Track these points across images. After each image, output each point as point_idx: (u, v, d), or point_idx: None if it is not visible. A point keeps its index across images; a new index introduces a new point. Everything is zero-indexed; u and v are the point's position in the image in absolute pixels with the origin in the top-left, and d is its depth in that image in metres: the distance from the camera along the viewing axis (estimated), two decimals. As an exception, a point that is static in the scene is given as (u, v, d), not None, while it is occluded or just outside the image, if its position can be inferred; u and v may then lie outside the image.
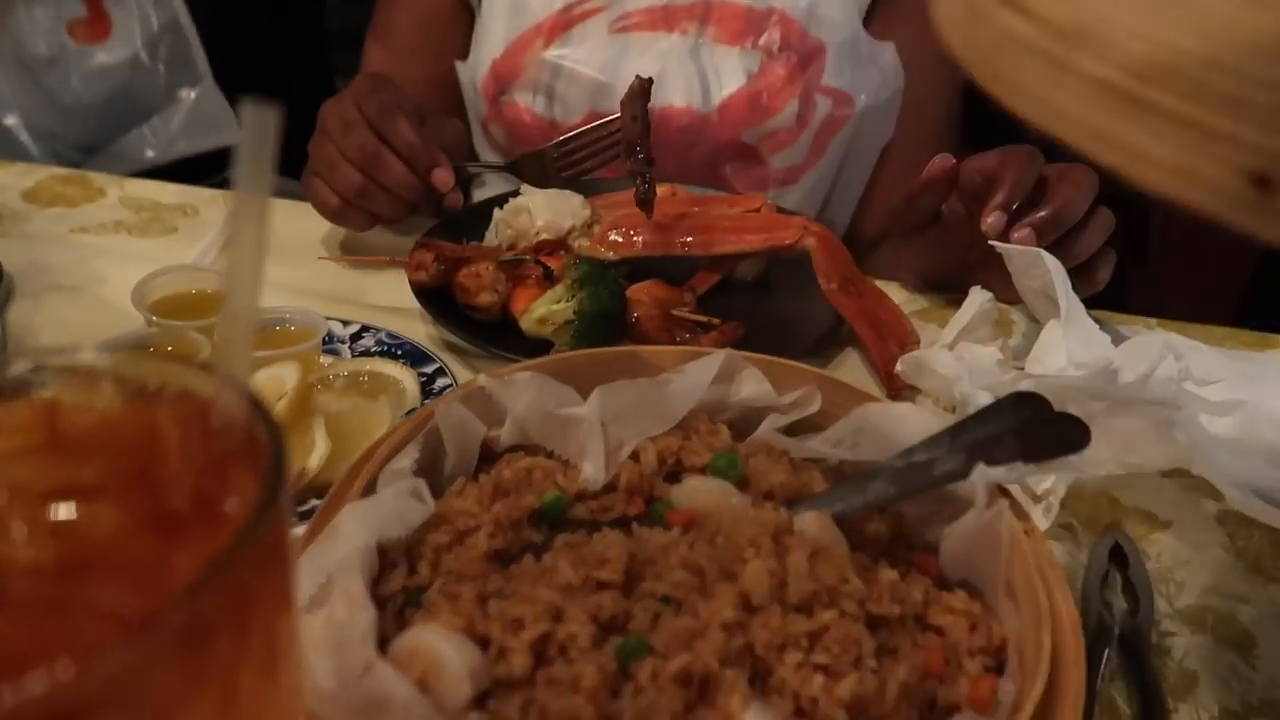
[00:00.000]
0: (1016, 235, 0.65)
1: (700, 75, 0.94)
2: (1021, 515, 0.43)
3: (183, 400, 0.25)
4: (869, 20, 0.95)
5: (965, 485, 0.43)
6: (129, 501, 0.23)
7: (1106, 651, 0.48)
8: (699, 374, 0.49)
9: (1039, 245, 0.65)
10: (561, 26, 0.95)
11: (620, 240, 0.78)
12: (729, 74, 0.94)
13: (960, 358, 0.59)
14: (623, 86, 0.78)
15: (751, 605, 0.36)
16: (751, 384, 0.51)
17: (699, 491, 0.44)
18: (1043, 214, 0.65)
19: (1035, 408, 0.46)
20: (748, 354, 0.52)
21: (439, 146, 0.80)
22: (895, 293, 0.81)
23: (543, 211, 0.79)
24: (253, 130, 0.24)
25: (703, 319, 0.70)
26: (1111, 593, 0.53)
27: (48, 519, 0.22)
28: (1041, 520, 0.56)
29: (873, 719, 0.35)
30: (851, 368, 0.71)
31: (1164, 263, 3.01)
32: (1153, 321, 0.78)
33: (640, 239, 0.78)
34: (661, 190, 0.86)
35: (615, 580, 0.37)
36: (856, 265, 0.76)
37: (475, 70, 0.97)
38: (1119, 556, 0.54)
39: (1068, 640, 0.38)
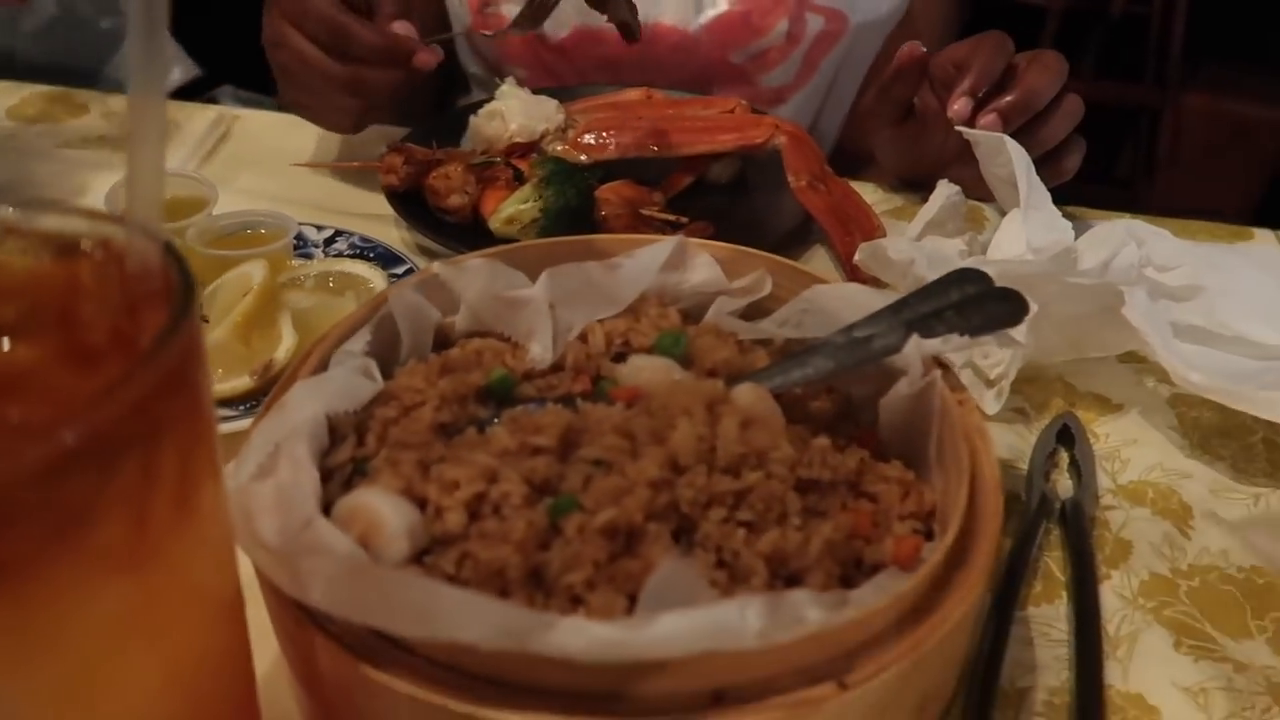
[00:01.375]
0: (982, 120, 0.65)
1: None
2: (955, 387, 0.44)
3: (100, 249, 0.26)
4: None
5: (903, 359, 0.44)
6: (49, 338, 0.25)
7: (1045, 523, 0.50)
8: (648, 258, 0.50)
9: (1005, 131, 0.65)
10: None
11: (593, 143, 0.78)
12: None
13: (918, 244, 0.59)
14: None
15: (679, 466, 0.38)
16: (703, 270, 0.52)
17: (643, 369, 0.45)
18: (1009, 99, 0.65)
19: (977, 284, 0.47)
20: (701, 240, 0.53)
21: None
22: (871, 192, 0.82)
23: (516, 116, 0.79)
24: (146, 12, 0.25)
25: (671, 217, 0.71)
26: (1059, 471, 0.55)
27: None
28: (993, 404, 0.57)
29: (792, 571, 0.37)
30: (820, 262, 0.72)
31: (1172, 177, 2.96)
32: (1126, 217, 0.78)
33: (613, 141, 0.78)
34: (636, 93, 0.86)
35: (550, 446, 0.38)
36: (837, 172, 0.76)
37: None
38: (1068, 437, 0.55)
39: (988, 500, 0.39)
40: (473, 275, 0.48)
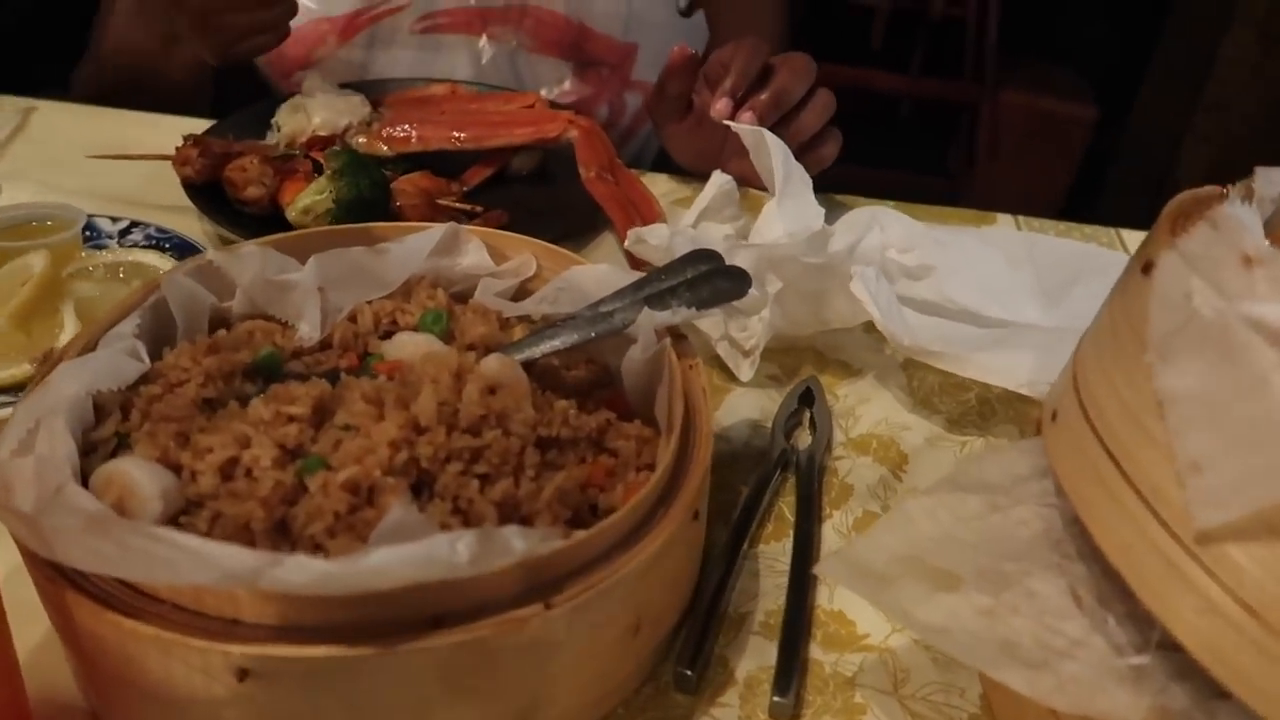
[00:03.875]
0: (741, 117, 0.72)
1: (515, 83, 0.97)
2: (685, 354, 0.50)
3: None
4: (689, 9, 1.00)
5: (638, 329, 0.49)
6: None
7: (781, 472, 0.57)
8: (417, 243, 0.54)
9: (762, 126, 0.71)
10: (359, 25, 0.94)
11: (396, 135, 0.81)
12: (542, 84, 0.97)
13: (681, 232, 0.65)
14: None
15: (420, 427, 0.42)
16: (474, 254, 0.56)
17: (406, 345, 0.49)
18: (763, 97, 0.72)
19: (709, 263, 0.53)
20: (473, 228, 0.57)
21: None
22: (663, 183, 0.88)
23: (319, 110, 0.81)
24: None
25: (466, 207, 0.75)
26: (802, 429, 0.61)
27: None
28: (748, 371, 0.64)
29: (523, 515, 0.42)
30: (609, 247, 0.77)
31: (992, 168, 3.17)
32: (889, 204, 0.86)
33: (414, 134, 0.81)
34: (441, 88, 0.90)
35: (303, 414, 0.42)
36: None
37: None
38: (810, 398, 0.62)
39: (701, 449, 0.45)
40: (247, 261, 0.51)
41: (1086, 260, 0.74)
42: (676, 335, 0.51)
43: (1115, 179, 2.82)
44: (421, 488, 0.41)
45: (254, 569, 0.33)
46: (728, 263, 0.54)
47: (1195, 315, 0.32)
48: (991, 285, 0.71)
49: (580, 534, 0.38)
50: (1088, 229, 0.86)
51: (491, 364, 0.46)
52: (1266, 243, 0.34)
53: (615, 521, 0.39)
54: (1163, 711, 0.34)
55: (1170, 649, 0.35)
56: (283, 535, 0.39)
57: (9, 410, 0.52)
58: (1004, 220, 0.87)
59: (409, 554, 0.34)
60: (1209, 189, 0.40)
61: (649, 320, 0.49)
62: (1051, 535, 0.41)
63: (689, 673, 0.45)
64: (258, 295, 0.51)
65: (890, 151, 3.09)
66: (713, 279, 0.52)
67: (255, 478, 0.40)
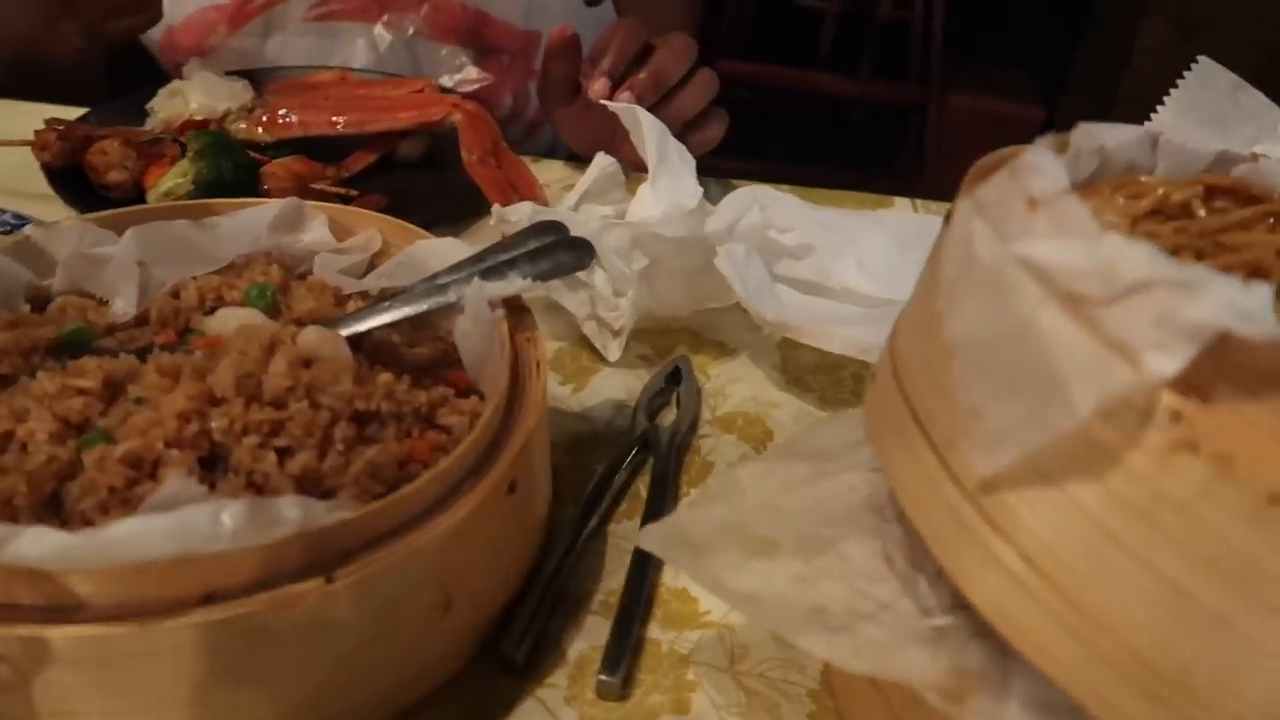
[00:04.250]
0: (619, 97, 0.70)
1: (414, 71, 0.95)
2: (524, 327, 0.48)
3: None
4: None
5: (468, 300, 0.47)
6: None
7: (636, 450, 0.55)
8: (251, 217, 0.52)
9: (640, 105, 0.70)
10: (249, 13, 0.92)
11: (276, 121, 0.79)
12: (442, 72, 0.95)
13: (549, 211, 0.64)
14: None
15: (215, 399, 0.40)
16: (316, 230, 0.54)
17: (228, 320, 0.47)
18: (640, 76, 0.71)
19: (553, 234, 0.52)
20: (317, 204, 0.55)
21: None
22: (557, 169, 0.86)
23: (197, 94, 0.79)
24: None
25: (341, 191, 0.73)
26: (667, 409, 0.60)
27: None
28: (615, 351, 0.62)
29: (325, 489, 0.40)
30: (490, 232, 0.76)
31: (940, 169, 3.19)
32: (785, 188, 0.85)
33: (295, 119, 0.79)
34: (330, 75, 0.88)
35: (92, 388, 0.40)
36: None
37: None
38: (678, 378, 0.61)
39: (527, 420, 0.43)
40: (64, 236, 0.49)
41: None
42: (519, 308, 0.50)
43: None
44: (215, 463, 0.39)
45: (-12, 542, 0.31)
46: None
47: (975, 258, 0.31)
48: (876, 265, 0.70)
49: (370, 505, 0.36)
50: (984, 211, 0.86)
51: (309, 336, 0.44)
52: (1062, 187, 0.33)
53: (414, 491, 0.38)
54: (959, 671, 0.33)
55: (971, 609, 0.34)
56: (54, 514, 0.37)
57: None
58: (901, 204, 0.86)
59: (161, 524, 0.32)
60: (1019, 147, 0.39)
61: (479, 291, 0.47)
62: (874, 500, 0.40)
63: (514, 654, 0.43)
64: (75, 271, 0.49)
65: (840, 153, 3.11)
66: (555, 250, 0.50)
67: (29, 452, 0.37)
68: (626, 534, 0.51)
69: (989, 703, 0.32)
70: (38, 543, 0.31)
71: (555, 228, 0.52)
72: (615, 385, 0.61)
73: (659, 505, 0.51)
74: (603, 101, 0.71)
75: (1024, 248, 0.30)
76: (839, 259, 0.70)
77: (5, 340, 0.43)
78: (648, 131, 0.68)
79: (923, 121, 3.04)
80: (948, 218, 0.36)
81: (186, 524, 0.32)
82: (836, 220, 0.73)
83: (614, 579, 0.48)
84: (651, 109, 0.71)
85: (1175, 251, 0.35)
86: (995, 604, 0.31)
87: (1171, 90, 0.49)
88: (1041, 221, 0.31)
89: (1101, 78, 2.47)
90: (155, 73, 1.00)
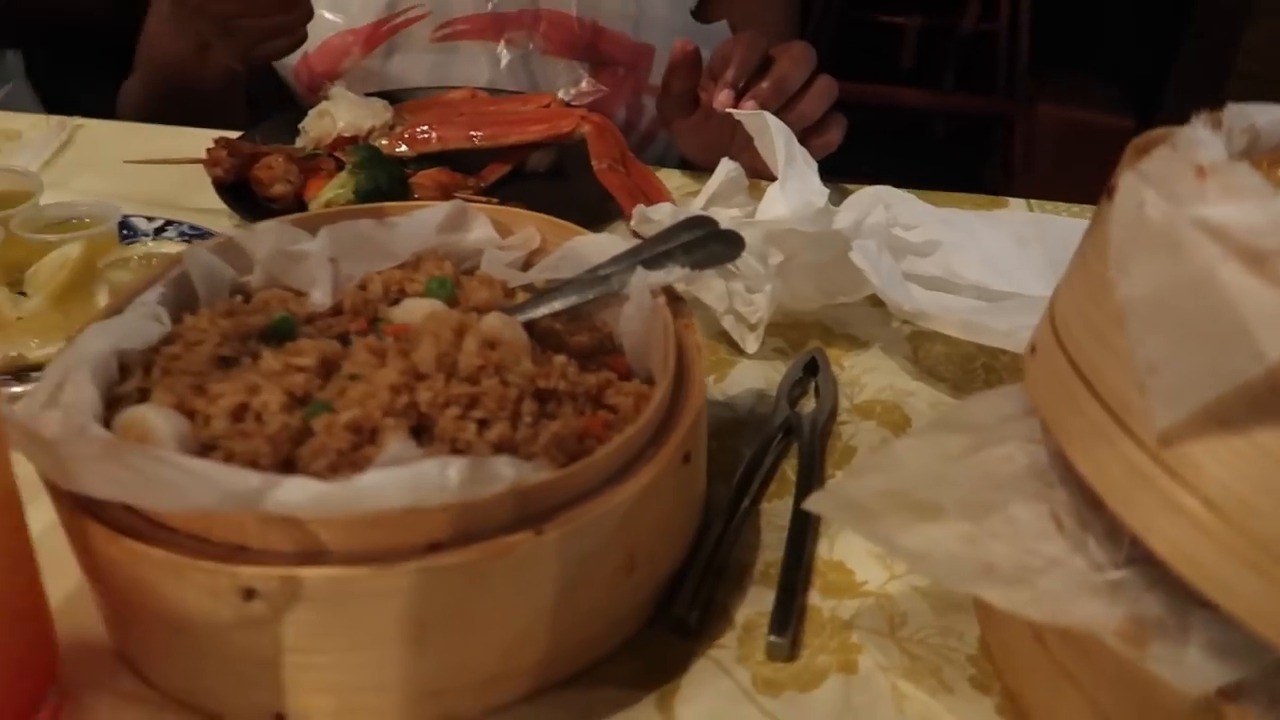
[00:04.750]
0: (743, 106, 0.74)
1: (531, 85, 1.00)
2: (680, 314, 0.51)
3: None
4: (700, 9, 1.01)
5: (632, 289, 0.51)
6: None
7: (784, 436, 0.58)
8: (425, 217, 0.56)
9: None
10: (381, 36, 0.98)
11: (416, 137, 0.84)
12: (558, 85, 1.00)
13: (685, 211, 0.67)
14: None
15: (420, 375, 0.44)
16: (480, 229, 0.58)
17: (412, 309, 0.51)
18: (764, 85, 0.74)
19: (704, 227, 0.55)
20: (479, 205, 0.60)
21: None
22: (676, 177, 0.90)
23: (344, 113, 0.85)
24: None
25: (482, 200, 0.78)
26: (807, 397, 0.62)
27: None
28: (753, 344, 0.65)
29: (519, 458, 0.43)
30: (620, 234, 0.79)
31: (1030, 176, 3.14)
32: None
33: (434, 135, 0.84)
34: (461, 94, 0.93)
35: (310, 365, 0.44)
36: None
37: None
38: (815, 368, 0.63)
39: (693, 398, 0.46)
40: (263, 236, 0.54)
41: (1095, 234, 0.75)
42: (674, 298, 0.53)
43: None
44: (421, 432, 0.43)
45: (256, 490, 0.35)
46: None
47: (1147, 222, 0.33)
48: (998, 261, 0.72)
49: (570, 467, 0.40)
50: (1101, 209, 0.86)
51: (491, 321, 0.48)
52: (1227, 156, 0.35)
53: (604, 456, 0.41)
54: (1138, 620, 0.35)
55: (1146, 563, 0.36)
56: (288, 472, 0.41)
57: (45, 382, 0.55)
58: (1016, 204, 0.87)
59: (401, 476, 0.36)
60: (1171, 129, 0.41)
61: (642, 280, 0.50)
62: (1035, 468, 0.42)
63: (687, 616, 0.46)
64: (274, 267, 0.54)
65: (925, 168, 3.09)
66: (707, 242, 0.54)
67: (263, 420, 0.42)
68: (777, 512, 0.53)
69: (1169, 647, 0.34)
70: (299, 491, 0.35)
71: (705, 221, 0.55)
72: (754, 376, 0.64)
73: (808, 485, 0.54)
74: (729, 110, 0.74)
75: (1200, 209, 0.32)
76: (963, 255, 0.72)
77: (226, 327, 0.48)
78: (775, 135, 0.71)
79: (1008, 134, 3.01)
80: (1110, 193, 0.38)
81: (419, 477, 0.36)
82: (958, 218, 0.75)
83: (770, 551, 0.51)
84: (775, 115, 0.73)
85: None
86: (1178, 549, 0.33)
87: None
88: (1213, 187, 0.33)
89: (1203, 84, 2.42)
90: (284, 94, 1.06)
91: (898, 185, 0.76)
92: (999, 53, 2.92)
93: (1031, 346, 0.42)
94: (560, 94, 1.02)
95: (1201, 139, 0.36)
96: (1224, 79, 2.26)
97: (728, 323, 0.66)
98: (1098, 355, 0.36)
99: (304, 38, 0.88)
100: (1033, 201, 0.88)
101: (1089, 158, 3.01)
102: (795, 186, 0.71)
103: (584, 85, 1.03)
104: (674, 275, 0.51)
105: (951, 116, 3.25)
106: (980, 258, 0.72)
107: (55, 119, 0.95)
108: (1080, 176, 3.21)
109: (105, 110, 1.09)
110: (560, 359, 0.48)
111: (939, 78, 3.13)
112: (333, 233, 0.53)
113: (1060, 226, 0.79)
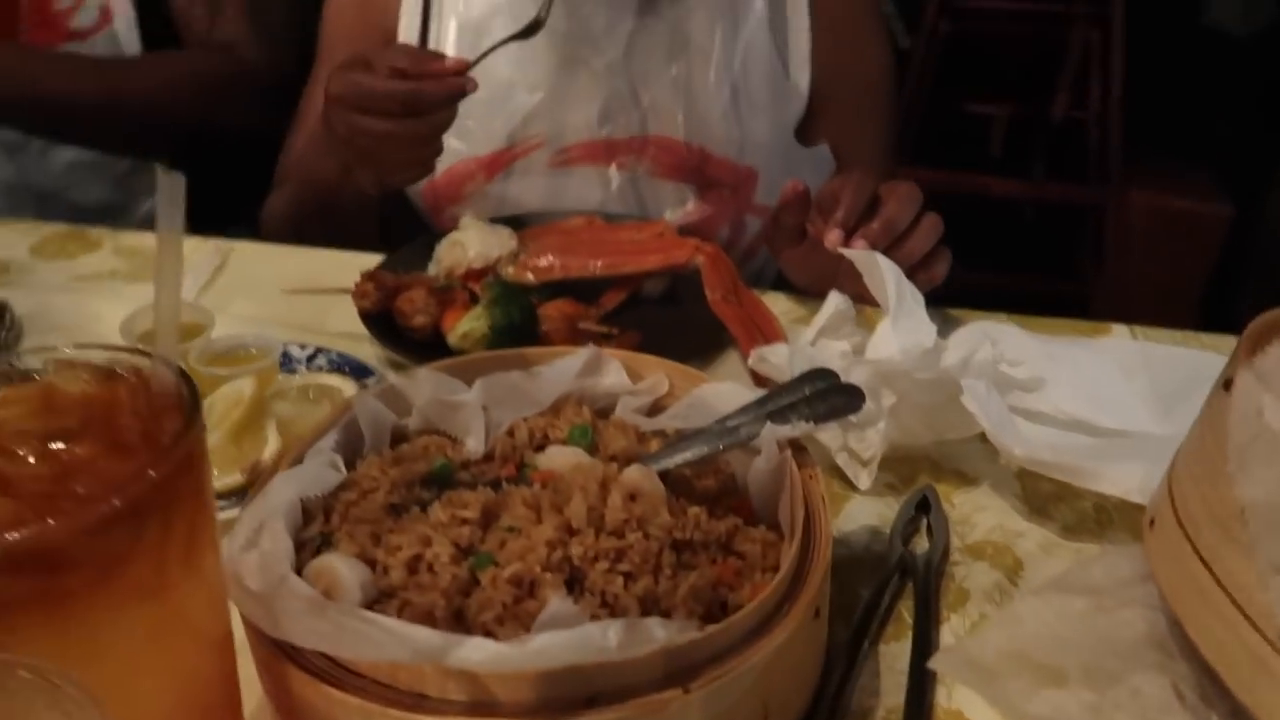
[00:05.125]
0: (854, 245, 0.78)
1: (640, 206, 1.07)
2: (805, 464, 0.55)
3: (133, 375, 0.37)
4: (801, 131, 1.07)
5: (762, 442, 0.55)
6: (100, 439, 0.36)
7: (900, 576, 0.60)
8: (565, 365, 0.62)
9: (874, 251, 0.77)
10: (502, 163, 1.06)
11: (540, 265, 0.91)
12: (665, 206, 1.06)
13: (799, 350, 0.71)
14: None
15: (573, 529, 0.48)
16: (614, 374, 0.63)
17: (557, 456, 0.56)
18: (874, 226, 0.78)
19: (825, 380, 0.59)
20: (612, 350, 0.65)
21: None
22: (782, 302, 0.94)
23: (474, 244, 0.92)
24: (166, 189, 0.37)
25: (604, 330, 0.83)
26: (919, 535, 0.65)
27: (47, 449, 0.35)
28: (865, 480, 0.68)
29: (662, 610, 0.47)
30: (734, 363, 0.84)
31: (1123, 265, 3.10)
32: (1003, 317, 0.90)
33: (557, 264, 0.90)
34: (579, 220, 1.00)
35: (474, 518, 0.49)
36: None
37: None
38: (926, 506, 0.66)
39: (821, 552, 0.50)
40: (421, 384, 0.59)
41: (1203, 368, 0.75)
42: (797, 447, 0.56)
43: (1256, 278, 2.73)
44: (573, 583, 0.47)
45: (442, 647, 0.40)
46: (844, 379, 0.60)
47: (1266, 429, 0.36)
48: (1104, 395, 0.74)
49: (714, 627, 0.43)
50: (1206, 338, 0.87)
51: (632, 474, 0.53)
52: (1340, 363, 0.38)
53: (745, 615, 0.44)
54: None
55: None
56: (459, 622, 0.45)
57: (226, 514, 0.61)
58: (1119, 330, 0.89)
59: (567, 639, 0.40)
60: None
61: (771, 434, 0.54)
62: (1155, 636, 0.44)
63: (814, 761, 0.48)
64: (431, 413, 0.59)
65: (1017, 257, 3.08)
66: (829, 395, 0.57)
67: (436, 571, 0.47)
68: (895, 655, 0.56)
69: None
70: (479, 650, 0.39)
71: (826, 374, 0.59)
72: (867, 512, 0.66)
73: (924, 629, 0.56)
74: (841, 250, 0.78)
75: (1317, 425, 0.34)
76: (1068, 390, 0.74)
77: (396, 475, 0.53)
78: (886, 275, 0.75)
79: (1100, 221, 2.98)
80: (1227, 385, 0.40)
81: (583, 638, 0.40)
82: (1063, 352, 0.77)
83: (891, 696, 0.53)
84: (884, 252, 0.77)
85: None
86: (1303, 742, 0.34)
87: None
88: (1328, 399, 0.35)
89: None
90: (409, 211, 1.15)
91: (990, 274, 0.78)
92: (1089, 139, 2.91)
93: (1150, 519, 0.45)
94: (668, 214, 1.08)
95: (1315, 339, 0.39)
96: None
97: (841, 459, 0.69)
98: (1218, 542, 0.39)
99: (433, 168, 0.95)
100: (1136, 328, 0.89)
101: (1185, 245, 2.97)
102: (906, 325, 0.75)
103: (690, 206, 1.09)
104: (799, 429, 0.55)
105: (1042, 205, 3.24)
106: (1087, 393, 0.74)
107: (212, 242, 1.05)
108: (1175, 265, 3.14)
109: (247, 219, 1.19)
110: (694, 510, 0.52)
111: (1029, 165, 3.14)
112: (486, 384, 0.59)
113: (1165, 356, 0.81)
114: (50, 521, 0.30)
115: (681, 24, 1.00)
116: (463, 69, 0.83)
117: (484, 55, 0.87)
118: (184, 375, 0.36)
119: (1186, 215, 2.92)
